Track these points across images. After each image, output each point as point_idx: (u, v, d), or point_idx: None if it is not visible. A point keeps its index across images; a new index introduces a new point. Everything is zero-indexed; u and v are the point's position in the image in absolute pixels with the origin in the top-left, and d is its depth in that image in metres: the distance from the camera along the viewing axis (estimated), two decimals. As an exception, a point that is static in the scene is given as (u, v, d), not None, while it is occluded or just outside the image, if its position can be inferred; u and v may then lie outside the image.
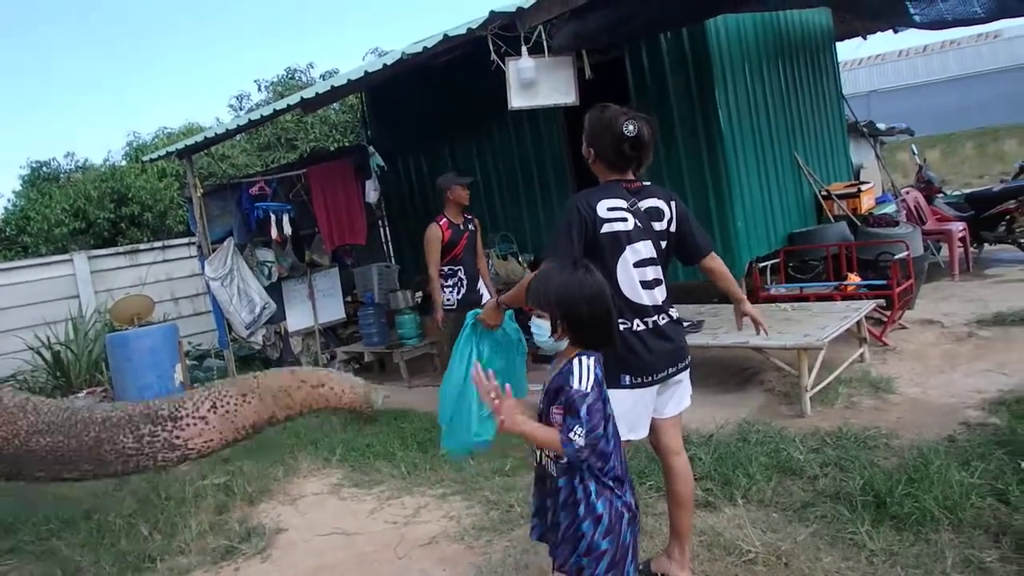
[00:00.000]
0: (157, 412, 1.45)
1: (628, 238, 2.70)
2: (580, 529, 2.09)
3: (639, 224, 2.73)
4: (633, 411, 2.71)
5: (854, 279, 6.57)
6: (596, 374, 2.07)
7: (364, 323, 8.06)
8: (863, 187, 8.38)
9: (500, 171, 8.54)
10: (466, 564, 3.34)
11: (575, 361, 2.08)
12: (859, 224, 7.71)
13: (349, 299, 9.05)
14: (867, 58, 28.80)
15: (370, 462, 4.93)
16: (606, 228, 2.69)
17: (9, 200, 15.42)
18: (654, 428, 2.88)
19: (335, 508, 4.36)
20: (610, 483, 2.12)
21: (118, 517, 4.54)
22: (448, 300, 5.83)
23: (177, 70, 43.96)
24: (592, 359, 2.10)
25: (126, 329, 7.46)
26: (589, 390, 2.02)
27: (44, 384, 8.65)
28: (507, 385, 2.07)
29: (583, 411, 1.99)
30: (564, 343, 2.16)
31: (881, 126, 11.59)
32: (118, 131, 27.75)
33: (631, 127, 2.66)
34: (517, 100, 5.71)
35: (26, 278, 9.25)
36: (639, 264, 2.72)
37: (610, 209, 2.69)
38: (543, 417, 2.13)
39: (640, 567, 2.68)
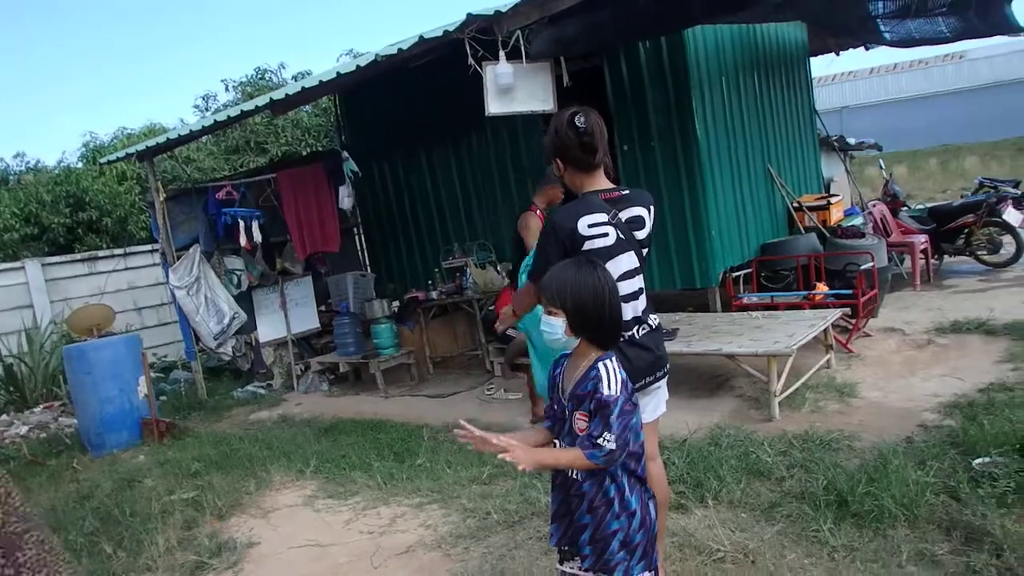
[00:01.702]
0: None
1: (609, 253, 2.73)
2: (611, 527, 2.18)
3: (621, 236, 2.77)
4: None
5: (822, 288, 6.89)
6: (621, 375, 2.15)
7: (339, 333, 8.10)
8: (832, 200, 8.82)
9: (477, 178, 8.68)
10: (443, 572, 3.44)
11: (600, 366, 2.15)
12: (828, 235, 8.09)
13: (323, 308, 9.10)
14: (840, 74, 30.58)
15: (345, 473, 5.01)
16: (587, 246, 2.72)
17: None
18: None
19: (309, 520, 4.43)
20: (641, 477, 2.23)
21: (79, 536, 4.57)
22: None
23: (139, 67, 43.66)
24: (615, 361, 2.19)
25: (85, 340, 7.40)
26: (619, 393, 2.09)
27: (-2, 399, 8.56)
28: (503, 436, 2.16)
29: (614, 415, 2.06)
30: (576, 341, 2.23)
31: (851, 141, 12.12)
32: (73, 131, 27.51)
33: (580, 119, 2.75)
34: (494, 106, 5.81)
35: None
36: (622, 278, 2.75)
37: (591, 225, 2.72)
38: (565, 422, 2.22)
39: None
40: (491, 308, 7.33)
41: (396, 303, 8.54)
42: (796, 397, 5.30)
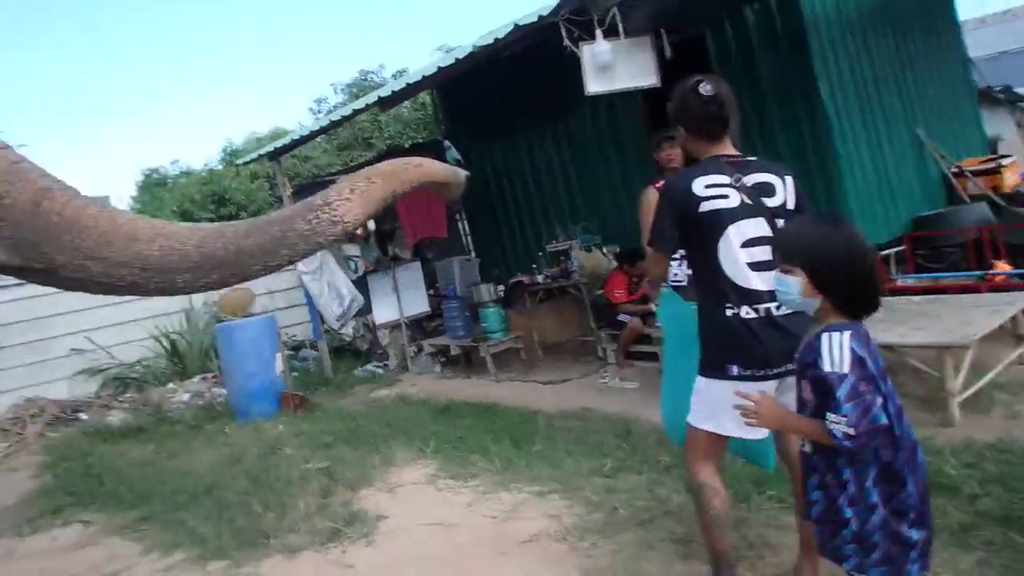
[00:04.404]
0: (314, 203, 1.72)
1: (732, 216, 2.34)
2: (842, 513, 1.77)
3: (747, 200, 2.36)
4: (728, 403, 2.15)
5: (1003, 267, 5.47)
6: (852, 349, 1.70)
7: (448, 316, 7.87)
8: (1003, 162, 6.99)
9: (578, 159, 8.11)
10: (570, 566, 3.09)
11: (824, 338, 1.74)
12: (1003, 204, 6.49)
13: (432, 292, 8.87)
14: (993, 15, 22.41)
15: (464, 455, 4.72)
16: (704, 207, 2.35)
17: (128, 205, 15.89)
18: (780, 431, 2.50)
19: (433, 499, 4.20)
20: (893, 475, 1.74)
21: (234, 494, 4.51)
22: (676, 275, 4.87)
23: (263, 78, 44.78)
24: (846, 334, 1.72)
25: (232, 320, 7.46)
26: (846, 371, 1.67)
27: (164, 369, 8.79)
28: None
29: (842, 396, 1.66)
30: (816, 301, 1.80)
31: (1020, 90, 9.85)
32: (214, 138, 28.36)
33: (706, 87, 2.40)
34: (594, 85, 5.38)
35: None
36: (748, 244, 2.34)
37: (708, 186, 2.35)
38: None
39: None
40: (600, 292, 6.84)
41: (501, 287, 8.20)
42: (982, 398, 4.09)
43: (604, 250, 7.67)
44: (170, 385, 8.46)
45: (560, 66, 5.47)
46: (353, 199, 1.72)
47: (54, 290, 8.67)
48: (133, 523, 4.52)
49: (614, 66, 5.36)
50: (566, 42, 5.19)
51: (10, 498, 5.52)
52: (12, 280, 9.00)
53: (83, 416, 7.86)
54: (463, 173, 2.03)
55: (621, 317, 6.42)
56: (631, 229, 4.92)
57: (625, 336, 6.31)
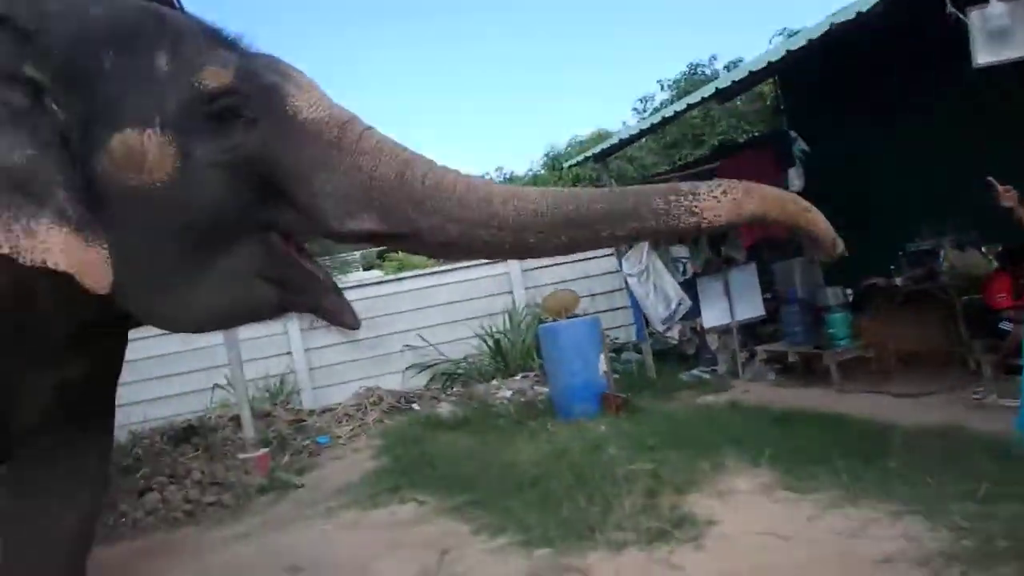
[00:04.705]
0: (680, 187, 1.78)
1: None
2: None
3: None
4: None
5: None
6: None
7: (787, 321, 7.77)
8: None
9: (950, 145, 7.45)
10: None
11: None
12: None
13: (768, 296, 8.76)
14: None
15: (804, 466, 4.66)
16: None
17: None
18: None
19: (768, 509, 4.21)
20: None
21: (559, 487, 4.89)
22: None
23: (584, 81, 46.97)
24: None
25: (555, 321, 8.10)
26: None
27: (487, 367, 9.84)
28: None
29: None
30: None
31: None
32: (537, 144, 30.49)
33: None
34: (984, 55, 4.92)
35: (469, 277, 10.56)
36: None
37: None
38: None
39: None
40: (977, 297, 6.36)
41: (850, 291, 7.86)
42: None
43: (983, 249, 7.04)
44: (493, 382, 9.46)
45: (926, 40, 5.14)
46: (722, 201, 1.74)
47: (392, 291, 10.30)
48: (462, 506, 5.12)
49: (1011, 31, 4.89)
50: (950, 8, 4.86)
51: (354, 475, 6.56)
52: (354, 281, 10.80)
53: (415, 406, 9.09)
54: (841, 246, 1.99)
55: (1003, 325, 5.93)
56: (1016, 224, 4.66)
57: (1008, 346, 5.74)
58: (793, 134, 7.87)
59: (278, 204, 1.89)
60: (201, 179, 1.83)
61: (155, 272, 1.90)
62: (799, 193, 7.43)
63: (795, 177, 7.73)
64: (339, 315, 2.05)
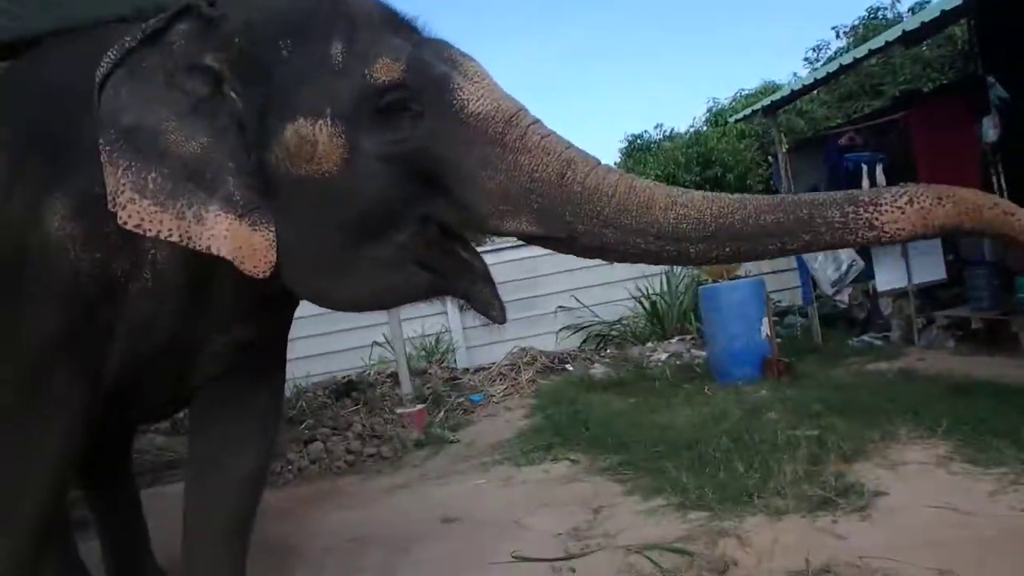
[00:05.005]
0: (858, 198, 1.67)
1: None
2: None
3: None
4: None
5: None
6: None
7: (971, 284, 7.20)
8: None
9: None
10: None
11: None
12: None
13: (951, 258, 8.15)
14: None
15: (986, 439, 4.34)
16: None
17: (612, 170, 17.66)
18: None
19: (943, 482, 3.96)
20: None
21: (716, 451, 4.83)
22: None
23: (747, 32, 44.91)
24: None
25: (715, 282, 7.90)
26: None
27: (643, 329, 9.77)
28: None
29: None
30: None
31: None
32: (699, 99, 29.54)
33: None
34: None
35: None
36: None
37: None
38: None
39: None
40: None
41: (1051, 254, 7.17)
42: None
43: None
44: (648, 344, 9.40)
45: None
46: (907, 213, 1.61)
47: (547, 252, 10.32)
48: (615, 466, 5.14)
49: None
50: None
51: (508, 433, 6.74)
52: (510, 242, 10.95)
53: (569, 367, 9.19)
54: None
55: None
56: None
57: None
58: (991, 79, 7.21)
59: (439, 197, 1.92)
60: (367, 171, 1.87)
61: (318, 256, 1.99)
62: (995, 144, 6.86)
63: (990, 127, 7.14)
64: (487, 307, 2.09)
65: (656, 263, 1.92)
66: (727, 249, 1.75)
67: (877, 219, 1.62)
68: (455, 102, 1.84)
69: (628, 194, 1.77)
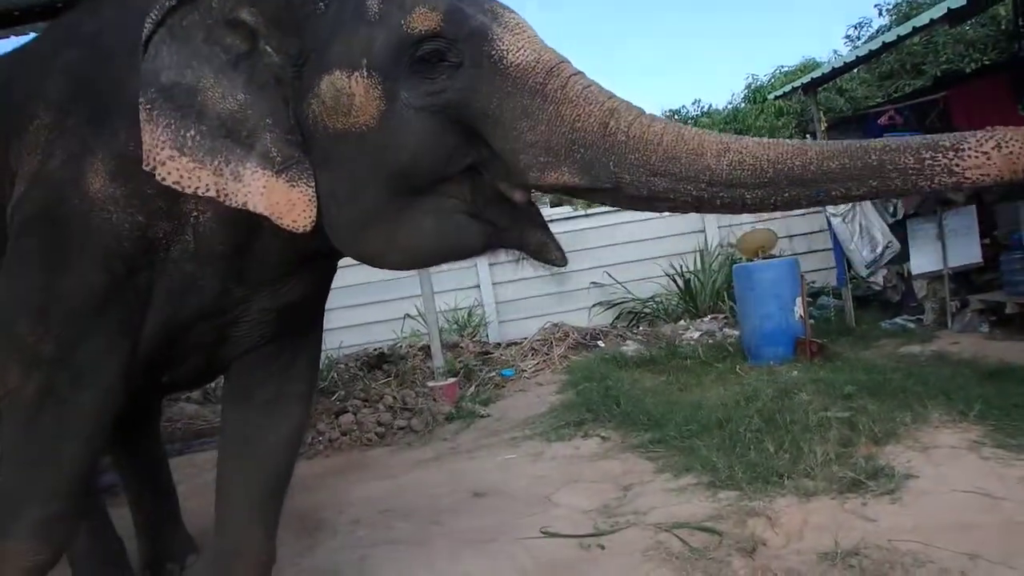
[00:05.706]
0: (937, 142, 1.58)
1: None
2: None
3: None
4: None
5: None
6: None
7: (1008, 269, 7.14)
8: None
9: None
10: None
11: None
12: None
13: (987, 241, 8.06)
14: None
15: (1018, 424, 4.37)
16: None
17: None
18: None
19: (974, 466, 3.99)
20: None
21: (747, 431, 4.87)
22: None
23: (788, 8, 44.02)
24: None
25: (751, 261, 7.91)
26: None
27: (675, 307, 9.80)
28: None
29: None
30: None
31: None
32: (738, 75, 28.98)
33: None
34: None
35: (660, 214, 10.44)
36: None
37: None
38: None
39: None
40: None
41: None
42: None
43: None
44: (681, 322, 9.44)
45: None
46: (993, 158, 1.52)
47: (580, 227, 10.36)
48: (646, 444, 5.20)
49: None
50: None
51: (538, 408, 6.80)
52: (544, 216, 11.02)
53: (600, 344, 9.26)
54: None
55: None
56: None
57: None
58: (1037, 59, 7.12)
59: (483, 147, 1.90)
60: (405, 123, 1.84)
61: (362, 212, 1.96)
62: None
63: (1033, 107, 7.01)
64: (545, 252, 2.06)
65: (709, 211, 1.86)
66: (786, 195, 1.70)
67: (958, 165, 1.55)
68: (494, 53, 1.81)
69: (676, 142, 1.73)
